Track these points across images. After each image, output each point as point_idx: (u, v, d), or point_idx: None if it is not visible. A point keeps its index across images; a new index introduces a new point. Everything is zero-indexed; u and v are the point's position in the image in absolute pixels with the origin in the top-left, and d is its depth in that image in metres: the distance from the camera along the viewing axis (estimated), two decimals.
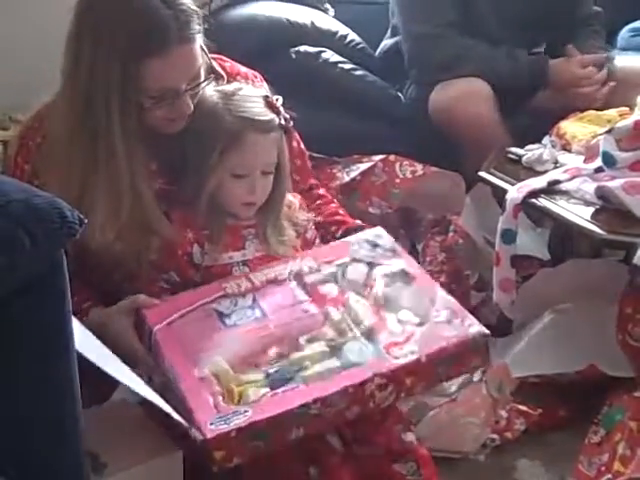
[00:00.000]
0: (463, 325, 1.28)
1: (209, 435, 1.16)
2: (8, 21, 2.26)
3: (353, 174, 2.11)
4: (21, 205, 0.91)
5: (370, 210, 2.05)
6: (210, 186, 1.47)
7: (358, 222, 1.62)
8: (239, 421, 1.17)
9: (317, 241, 1.59)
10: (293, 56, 2.26)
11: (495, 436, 1.60)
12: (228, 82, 1.54)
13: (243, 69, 1.62)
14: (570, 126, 1.92)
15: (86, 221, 0.97)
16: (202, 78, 1.44)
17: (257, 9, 2.33)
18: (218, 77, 1.52)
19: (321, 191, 1.70)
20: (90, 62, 1.37)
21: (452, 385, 1.65)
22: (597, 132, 1.80)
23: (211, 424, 1.17)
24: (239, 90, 1.50)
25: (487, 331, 1.29)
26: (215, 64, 1.53)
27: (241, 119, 1.45)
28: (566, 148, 1.88)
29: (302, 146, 1.67)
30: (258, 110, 1.48)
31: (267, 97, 1.50)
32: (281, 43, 2.26)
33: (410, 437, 1.43)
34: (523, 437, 1.62)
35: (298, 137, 1.65)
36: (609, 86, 2.13)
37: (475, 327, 1.28)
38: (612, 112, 1.93)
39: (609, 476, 1.39)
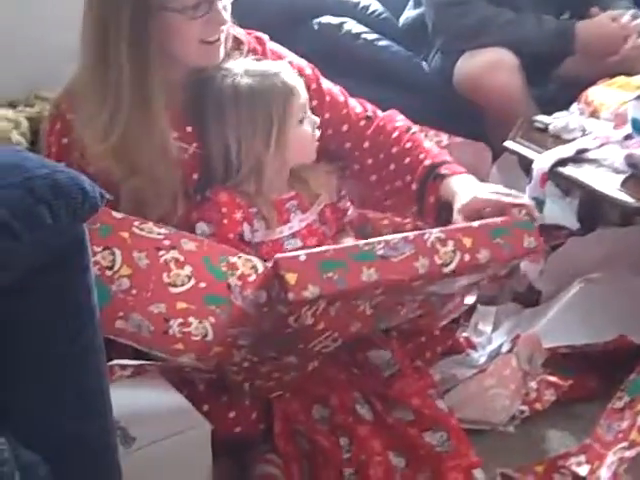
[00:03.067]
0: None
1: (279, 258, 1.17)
2: (30, 2, 2.27)
3: None
4: (42, 181, 0.90)
5: None
6: (271, 153, 1.46)
7: (428, 162, 1.56)
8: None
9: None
10: (315, 27, 2.25)
11: (525, 407, 1.58)
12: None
13: (248, 32, 1.60)
14: (598, 93, 1.88)
15: (107, 196, 0.97)
16: None
17: None
18: (239, 42, 1.53)
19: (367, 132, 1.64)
20: None
21: (481, 357, 1.64)
22: (626, 99, 1.77)
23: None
24: (245, 62, 1.51)
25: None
26: (234, 31, 1.53)
27: (274, 75, 1.47)
28: (594, 115, 1.85)
29: (325, 85, 1.63)
30: (274, 63, 1.52)
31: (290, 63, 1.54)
32: (303, 14, 2.25)
33: (442, 405, 1.43)
34: (553, 408, 1.60)
35: (318, 77, 1.62)
36: None
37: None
38: None
39: (625, 444, 1.37)
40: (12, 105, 2.27)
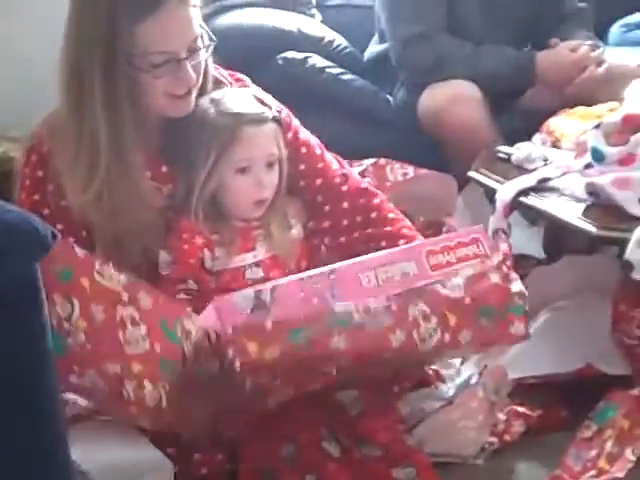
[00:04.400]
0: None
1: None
2: (6, 44, 2.27)
3: None
4: None
5: None
6: (211, 188, 1.47)
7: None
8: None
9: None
10: (280, 62, 2.25)
11: (494, 439, 1.57)
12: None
13: (230, 74, 1.61)
14: (560, 122, 1.90)
15: (59, 236, 0.96)
16: (202, 47, 1.42)
17: (242, 17, 2.33)
18: (219, 83, 1.54)
19: (343, 188, 1.61)
20: (77, 18, 1.37)
21: (449, 389, 1.63)
22: (587, 128, 1.78)
23: None
24: (227, 93, 1.52)
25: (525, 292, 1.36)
26: (217, 75, 1.54)
27: (233, 115, 1.47)
28: (556, 145, 1.86)
29: (303, 135, 1.61)
30: (249, 105, 1.50)
31: (255, 94, 1.52)
32: (268, 50, 2.26)
33: (410, 440, 1.42)
34: (523, 439, 1.59)
35: (296, 128, 1.60)
36: (605, 65, 2.10)
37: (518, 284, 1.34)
38: (602, 107, 1.92)
39: (593, 472, 1.37)
40: None
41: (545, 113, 1.98)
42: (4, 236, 0.89)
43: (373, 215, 1.59)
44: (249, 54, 2.18)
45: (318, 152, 1.63)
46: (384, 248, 1.51)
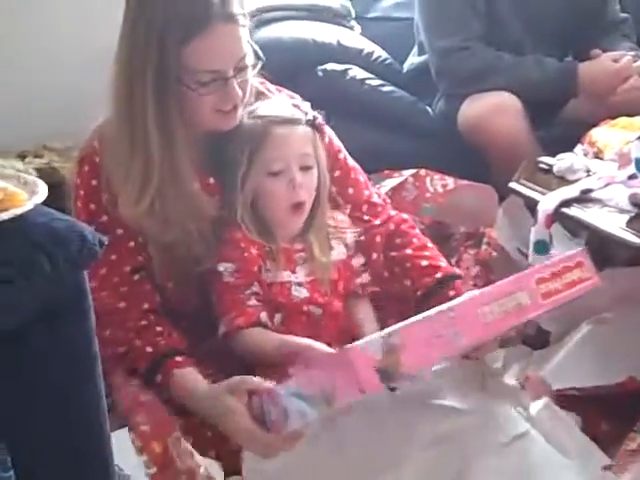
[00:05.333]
0: None
1: None
2: (42, 53, 2.30)
3: (384, 190, 2.08)
4: (41, 229, 0.91)
5: None
6: (248, 194, 1.46)
7: (440, 274, 1.55)
8: None
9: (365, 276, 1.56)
10: (320, 74, 2.26)
11: None
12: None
13: (278, 89, 1.62)
14: (602, 133, 1.88)
15: (106, 242, 0.97)
16: (249, 65, 1.43)
17: (282, 30, 2.34)
18: (263, 97, 1.54)
19: (392, 212, 1.64)
20: (129, 35, 1.39)
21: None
22: (629, 139, 1.77)
23: None
24: (263, 102, 1.52)
25: None
26: (261, 88, 1.56)
27: (263, 117, 1.46)
28: (598, 156, 1.84)
29: (337, 143, 1.62)
30: (281, 108, 1.49)
31: (292, 102, 1.51)
32: (308, 63, 2.28)
33: None
34: None
35: (331, 135, 1.61)
36: None
37: None
38: None
39: None
40: (21, 156, 2.29)
41: (587, 124, 1.96)
42: (52, 244, 0.90)
43: (398, 240, 1.60)
44: (289, 67, 2.20)
45: (350, 163, 1.64)
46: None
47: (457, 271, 1.64)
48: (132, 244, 1.48)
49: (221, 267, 1.46)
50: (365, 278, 1.58)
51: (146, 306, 1.47)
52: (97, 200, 1.46)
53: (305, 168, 1.47)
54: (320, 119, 1.52)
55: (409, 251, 1.59)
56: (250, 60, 1.44)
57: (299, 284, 1.49)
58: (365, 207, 1.62)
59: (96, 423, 1.03)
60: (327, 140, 1.58)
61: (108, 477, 1.06)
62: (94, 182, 1.47)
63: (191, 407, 1.36)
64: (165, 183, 1.42)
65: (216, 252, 1.47)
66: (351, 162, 1.64)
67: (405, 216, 1.66)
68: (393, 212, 1.65)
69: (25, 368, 0.96)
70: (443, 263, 1.59)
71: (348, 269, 1.56)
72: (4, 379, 0.94)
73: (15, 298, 0.87)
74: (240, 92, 1.42)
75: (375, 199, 1.65)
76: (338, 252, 1.54)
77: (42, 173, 2.18)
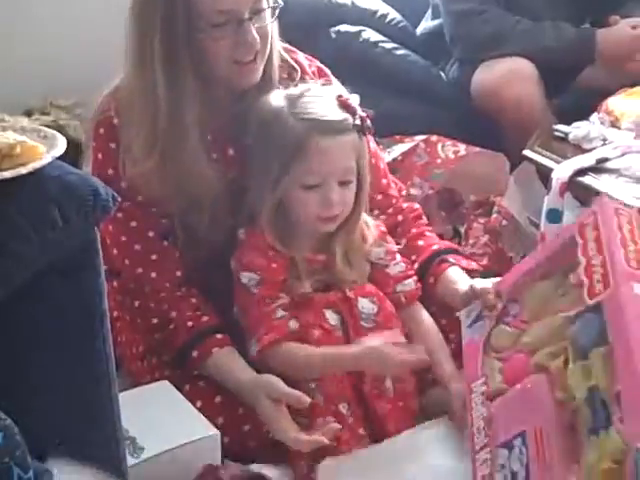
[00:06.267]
0: None
1: None
2: (46, 11, 2.27)
3: (394, 154, 2.07)
4: (54, 182, 0.89)
5: (411, 191, 2.00)
6: (273, 202, 1.35)
7: (436, 247, 1.52)
8: None
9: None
10: (333, 36, 2.23)
11: None
12: (301, 78, 1.46)
13: (312, 63, 1.55)
14: (619, 102, 1.86)
15: (119, 199, 0.95)
16: (267, 7, 1.35)
17: None
18: (292, 70, 1.48)
19: (404, 205, 1.58)
20: None
21: None
22: None
23: None
24: (307, 91, 1.38)
25: None
26: (288, 57, 1.49)
27: (306, 122, 1.32)
28: (615, 125, 1.81)
29: (373, 145, 1.52)
30: (327, 110, 1.34)
31: (340, 96, 1.37)
32: (321, 23, 2.24)
33: None
34: None
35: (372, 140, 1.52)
36: None
37: None
38: None
39: None
40: (27, 113, 2.26)
41: (603, 92, 1.93)
42: (66, 198, 0.89)
43: (399, 229, 1.55)
44: (303, 27, 2.15)
45: (382, 166, 1.58)
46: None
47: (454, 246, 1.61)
48: (154, 209, 1.42)
49: (245, 278, 1.38)
50: (408, 285, 1.48)
51: (179, 274, 1.43)
52: (115, 165, 1.40)
53: (345, 182, 1.36)
54: (368, 120, 1.39)
55: (409, 234, 1.54)
56: (268, 2, 1.36)
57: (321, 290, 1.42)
58: (380, 197, 1.54)
59: (104, 380, 1.03)
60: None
61: (115, 435, 1.06)
62: (112, 145, 1.40)
63: (226, 387, 1.36)
64: (170, 138, 1.35)
65: (237, 254, 1.40)
66: (373, 146, 1.53)
67: (416, 206, 1.60)
68: (405, 205, 1.58)
69: (36, 321, 0.95)
70: (439, 244, 1.54)
71: (384, 278, 1.47)
72: (15, 332, 0.93)
73: (28, 251, 0.86)
74: (258, 38, 1.34)
75: (391, 191, 1.57)
76: (361, 271, 1.45)
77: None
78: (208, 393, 1.37)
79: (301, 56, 1.54)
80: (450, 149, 2.07)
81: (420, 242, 1.54)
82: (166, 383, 1.38)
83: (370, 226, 1.46)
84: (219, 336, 1.39)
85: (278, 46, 1.45)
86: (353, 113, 1.36)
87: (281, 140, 1.33)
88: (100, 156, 1.43)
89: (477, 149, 2.06)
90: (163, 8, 1.31)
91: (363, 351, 1.34)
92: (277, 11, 1.39)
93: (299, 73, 1.48)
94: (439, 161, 2.05)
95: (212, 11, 1.31)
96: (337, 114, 1.35)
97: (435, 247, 1.53)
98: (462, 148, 2.06)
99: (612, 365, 1.04)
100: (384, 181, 1.56)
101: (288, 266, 1.40)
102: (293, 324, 1.38)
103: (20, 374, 0.97)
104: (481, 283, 1.38)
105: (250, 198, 1.40)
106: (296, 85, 1.42)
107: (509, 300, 1.33)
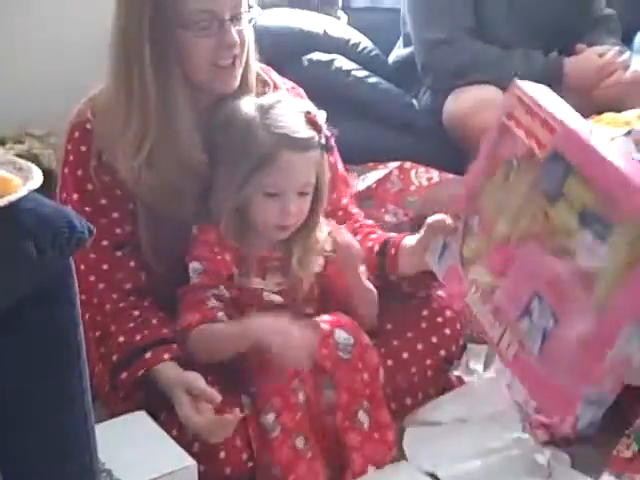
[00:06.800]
0: None
1: None
2: (20, 42, 2.27)
3: (368, 181, 2.09)
4: (29, 215, 0.89)
5: (386, 218, 2.03)
6: (238, 202, 1.42)
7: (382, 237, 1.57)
8: None
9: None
10: (306, 63, 2.25)
11: None
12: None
13: (286, 82, 1.61)
14: None
15: (94, 230, 0.95)
16: (245, 11, 1.42)
17: (269, 18, 2.32)
18: (265, 85, 1.53)
19: (355, 210, 1.65)
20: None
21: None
22: (615, 135, 1.77)
23: None
24: (278, 103, 1.44)
25: None
26: (262, 72, 1.55)
27: (276, 136, 1.39)
28: None
29: (336, 160, 1.60)
30: (296, 126, 1.41)
31: (309, 112, 1.43)
32: (294, 51, 2.25)
33: None
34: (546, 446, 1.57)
35: (337, 154, 1.60)
36: (632, 72, 2.09)
37: None
38: (630, 114, 1.90)
39: None
40: (2, 142, 2.26)
41: None
42: (40, 231, 0.88)
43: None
44: (275, 55, 2.16)
45: (340, 168, 1.63)
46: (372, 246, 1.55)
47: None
48: (116, 215, 1.47)
49: (190, 268, 1.43)
50: None
51: (128, 286, 1.46)
52: (85, 167, 1.46)
53: (303, 194, 1.43)
54: (332, 138, 1.46)
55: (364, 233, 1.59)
56: (245, 7, 1.43)
57: (275, 292, 1.46)
58: (340, 213, 1.61)
59: (80, 413, 1.02)
60: (332, 159, 1.56)
61: (92, 467, 1.05)
62: (83, 148, 1.47)
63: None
64: (161, 136, 1.41)
65: (189, 248, 1.45)
66: (340, 167, 1.62)
67: (370, 222, 1.65)
68: (366, 222, 1.64)
69: (10, 354, 0.94)
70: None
71: (324, 275, 1.51)
72: None
73: (2, 284, 0.85)
74: (236, 37, 1.40)
75: (351, 209, 1.64)
76: (319, 263, 1.50)
77: (23, 159, 2.16)
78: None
79: (274, 74, 1.59)
80: (423, 176, 2.09)
81: (374, 235, 1.59)
82: (142, 413, 1.37)
83: (323, 229, 1.51)
84: (148, 355, 1.40)
85: (254, 57, 1.51)
86: (319, 131, 1.43)
87: (250, 149, 1.39)
88: (72, 157, 1.48)
89: (450, 175, 2.08)
90: (151, 7, 1.37)
91: (270, 327, 1.36)
92: (253, 21, 1.46)
93: (272, 88, 1.54)
94: (413, 188, 2.07)
95: (194, 10, 1.37)
96: (305, 131, 1.41)
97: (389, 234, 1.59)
98: (435, 175, 2.08)
99: (588, 179, 1.10)
100: (344, 201, 1.62)
101: (237, 262, 1.43)
102: (221, 316, 1.40)
103: None
104: (434, 217, 1.43)
105: (212, 196, 1.44)
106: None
107: (468, 215, 1.37)
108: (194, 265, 1.43)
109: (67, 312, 0.95)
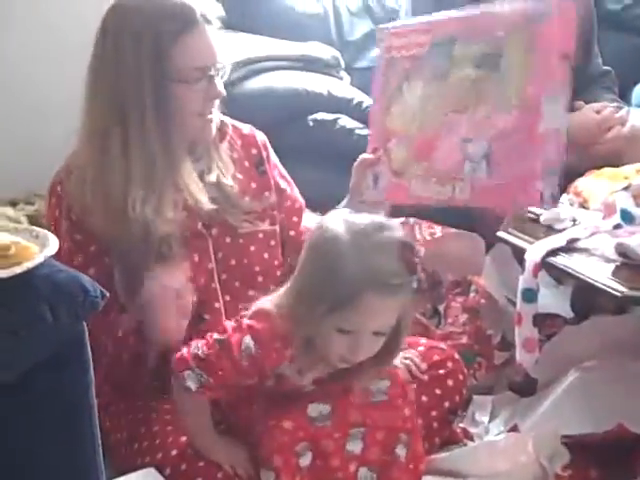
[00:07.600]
0: None
1: None
2: (33, 107, 2.33)
3: None
4: (44, 281, 0.92)
5: None
6: (307, 334, 1.31)
7: None
8: None
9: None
10: (311, 123, 2.29)
11: None
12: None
13: (246, 129, 1.68)
14: (587, 183, 1.92)
15: (108, 295, 0.98)
16: (223, 65, 1.52)
17: (274, 80, 2.38)
18: (223, 135, 1.60)
19: None
20: (116, 58, 1.47)
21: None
22: (614, 189, 1.80)
23: None
24: (377, 231, 1.30)
25: None
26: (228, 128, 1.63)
27: (366, 276, 1.25)
28: (584, 206, 1.87)
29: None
30: (389, 267, 1.27)
31: (406, 248, 1.30)
32: (298, 112, 2.30)
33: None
34: None
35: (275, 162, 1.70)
36: (630, 127, 2.13)
37: None
38: (629, 168, 1.93)
39: None
40: (12, 203, 2.30)
41: (572, 174, 2.00)
42: (55, 296, 0.91)
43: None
44: (280, 116, 2.23)
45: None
46: None
47: None
48: (92, 271, 1.46)
49: (244, 343, 1.32)
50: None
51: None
52: (57, 229, 1.50)
53: (378, 334, 1.32)
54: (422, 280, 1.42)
55: None
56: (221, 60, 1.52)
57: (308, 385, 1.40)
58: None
59: (92, 473, 1.03)
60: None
61: None
62: (57, 212, 1.53)
63: None
64: (166, 183, 1.48)
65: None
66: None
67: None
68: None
69: (23, 417, 0.96)
70: None
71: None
72: (3, 427, 0.94)
73: (18, 348, 0.88)
74: (222, 90, 1.52)
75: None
76: None
77: (32, 220, 2.21)
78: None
79: (228, 119, 1.65)
80: (427, 231, 2.12)
81: None
82: (152, 470, 1.38)
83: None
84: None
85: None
86: (413, 272, 1.30)
87: (336, 284, 1.27)
88: (52, 223, 1.54)
89: (453, 230, 2.11)
90: (151, 64, 1.45)
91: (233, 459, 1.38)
92: (226, 69, 1.54)
93: (226, 137, 1.61)
94: (416, 243, 2.09)
95: (189, 68, 1.47)
96: (398, 273, 1.28)
97: None
98: (438, 230, 2.11)
99: (471, 37, 1.43)
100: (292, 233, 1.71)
101: (291, 359, 1.35)
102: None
103: (6, 466, 0.97)
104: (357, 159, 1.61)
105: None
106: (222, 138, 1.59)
107: (384, 143, 1.61)
108: (247, 341, 1.31)
109: (79, 374, 0.98)
